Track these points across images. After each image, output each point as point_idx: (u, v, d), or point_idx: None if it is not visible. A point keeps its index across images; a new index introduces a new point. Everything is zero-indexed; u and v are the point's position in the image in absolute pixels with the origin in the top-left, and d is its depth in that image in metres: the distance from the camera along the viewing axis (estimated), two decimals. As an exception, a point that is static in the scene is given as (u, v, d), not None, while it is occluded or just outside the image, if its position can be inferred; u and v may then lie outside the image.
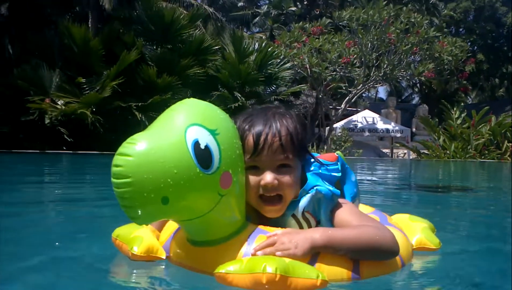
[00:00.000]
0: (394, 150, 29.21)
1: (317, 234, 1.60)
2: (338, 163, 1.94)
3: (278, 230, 1.64)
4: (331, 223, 1.78)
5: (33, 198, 4.22)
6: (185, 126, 1.51)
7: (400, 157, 27.71)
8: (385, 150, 29.39)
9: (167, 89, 15.25)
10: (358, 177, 7.23)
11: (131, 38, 15.82)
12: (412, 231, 2.14)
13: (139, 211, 1.43)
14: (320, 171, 1.84)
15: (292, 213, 1.77)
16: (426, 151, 22.34)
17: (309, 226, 1.78)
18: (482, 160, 19.50)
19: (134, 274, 1.77)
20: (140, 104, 14.82)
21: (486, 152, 20.22)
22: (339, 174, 1.90)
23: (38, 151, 13.21)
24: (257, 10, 36.71)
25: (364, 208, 2.23)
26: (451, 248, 2.33)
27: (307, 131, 1.74)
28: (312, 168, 1.85)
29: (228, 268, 1.48)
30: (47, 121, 13.95)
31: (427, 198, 5.68)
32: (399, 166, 14.41)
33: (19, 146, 13.34)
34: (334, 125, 26.72)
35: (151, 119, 12.47)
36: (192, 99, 1.65)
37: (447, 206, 4.78)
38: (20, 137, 14.29)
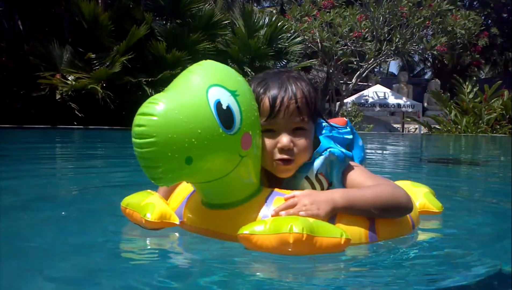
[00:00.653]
0: (405, 125, 29.06)
1: (337, 195, 1.64)
2: (348, 126, 1.98)
3: (297, 192, 1.65)
4: (343, 184, 1.82)
5: (44, 172, 4.27)
6: (206, 87, 1.51)
7: (411, 132, 27.58)
8: (396, 125, 29.25)
9: (177, 64, 15.20)
10: (368, 151, 7.24)
11: (140, 13, 15.75)
12: (414, 196, 2.17)
13: (162, 172, 1.42)
14: (331, 134, 1.87)
15: (305, 175, 1.80)
16: (437, 126, 22.22)
17: (322, 188, 1.82)
18: (493, 134, 19.36)
19: (148, 244, 1.79)
20: (150, 79, 14.84)
21: (498, 126, 20.07)
22: (351, 136, 1.96)
23: (49, 126, 13.35)
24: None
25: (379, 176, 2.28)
26: (455, 213, 2.40)
27: (319, 95, 1.78)
28: (323, 131, 1.87)
29: (253, 228, 1.49)
30: (58, 96, 14.03)
31: (434, 170, 5.69)
32: (409, 140, 14.38)
33: (31, 121, 13.48)
34: (345, 100, 26.58)
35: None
36: (209, 61, 1.65)
37: (453, 177, 4.80)
38: (31, 113, 14.41)
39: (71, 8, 15.28)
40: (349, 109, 24.13)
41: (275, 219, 1.51)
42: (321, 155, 1.79)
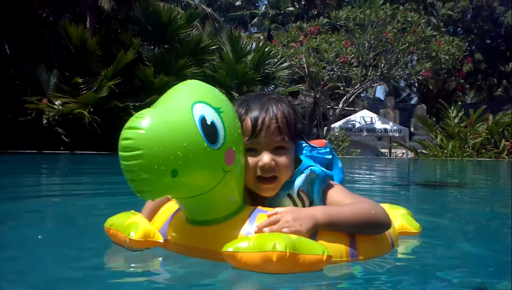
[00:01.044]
0: (392, 150, 29.25)
1: (319, 212, 1.67)
2: (327, 147, 2.03)
3: (279, 209, 1.67)
4: (323, 202, 1.85)
5: (30, 196, 4.24)
6: (191, 103, 1.56)
7: (398, 157, 27.74)
8: (383, 150, 29.43)
9: (164, 88, 14.89)
10: (356, 175, 7.27)
11: (128, 38, 15.83)
12: (393, 217, 2.15)
13: (148, 184, 1.44)
14: (311, 154, 1.90)
15: (287, 192, 1.84)
16: (424, 151, 22.37)
17: (303, 206, 1.84)
18: (479, 158, 19.54)
19: (131, 264, 1.78)
20: (137, 104, 14.82)
21: (484, 151, 20.25)
22: (330, 156, 2.01)
23: (35, 151, 13.25)
24: (255, 10, 36.76)
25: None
26: (435, 233, 2.45)
27: (299, 116, 1.85)
28: (304, 151, 1.91)
29: (237, 245, 1.51)
30: (44, 121, 13.97)
31: (419, 194, 5.73)
32: (396, 165, 14.45)
33: (17, 146, 13.37)
34: (332, 125, 26.75)
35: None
36: (193, 80, 1.70)
37: (438, 200, 4.83)
38: (18, 138, 14.31)
39: (59, 32, 15.30)
40: (337, 134, 24.25)
41: (259, 236, 1.52)
42: (302, 173, 1.83)
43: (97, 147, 14.28)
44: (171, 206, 1.93)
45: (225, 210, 1.68)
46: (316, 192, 1.85)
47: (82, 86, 14.94)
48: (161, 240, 1.80)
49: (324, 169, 1.86)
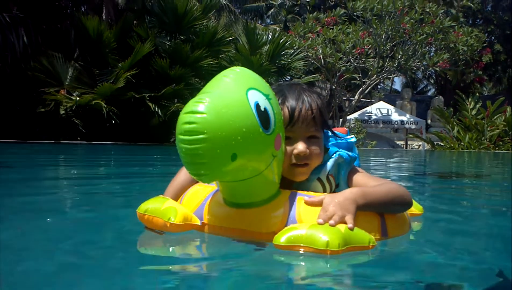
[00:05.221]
0: (409, 142, 29.06)
1: (357, 195, 1.76)
2: (351, 135, 2.22)
3: (316, 197, 1.78)
4: (347, 185, 2.00)
5: (49, 184, 4.33)
6: (245, 89, 1.61)
7: (414, 149, 27.56)
8: (399, 142, 29.25)
9: (180, 80, 15.35)
10: (372, 165, 7.25)
11: (144, 30, 15.92)
12: None
13: (208, 168, 1.50)
14: (337, 141, 2.09)
15: (318, 176, 1.95)
16: (440, 143, 22.23)
17: (331, 188, 1.98)
18: (496, 151, 19.35)
19: (168, 248, 1.84)
20: (153, 94, 14.96)
21: (501, 143, 20.06)
22: (355, 139, 2.17)
23: (53, 141, 13.45)
24: (271, 1, 36.62)
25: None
26: (440, 217, 2.51)
27: (328, 108, 2.05)
28: (330, 139, 2.09)
29: (290, 239, 1.59)
30: (62, 112, 14.16)
31: (436, 183, 5.72)
32: (411, 156, 14.38)
33: (35, 136, 13.59)
34: (348, 117, 26.67)
35: (163, 109, 12.42)
36: (240, 67, 1.74)
37: (453, 190, 4.83)
38: (35, 128, 14.54)
39: (76, 24, 15.46)
40: (352, 125, 24.19)
41: (311, 230, 1.60)
42: (331, 157, 1.97)
43: (114, 137, 14.45)
44: (199, 190, 2.00)
45: (267, 193, 1.76)
46: (342, 175, 1.98)
47: (99, 78, 15.09)
48: (198, 223, 1.86)
49: (349, 153, 2.00)
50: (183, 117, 1.47)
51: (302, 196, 1.78)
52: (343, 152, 1.98)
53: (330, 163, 1.95)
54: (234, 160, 1.52)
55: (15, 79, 14.54)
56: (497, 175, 7.71)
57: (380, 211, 1.80)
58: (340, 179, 1.98)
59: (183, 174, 2.11)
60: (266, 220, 1.73)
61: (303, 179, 1.93)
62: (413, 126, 28.41)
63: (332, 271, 1.57)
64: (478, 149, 19.69)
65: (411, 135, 26.15)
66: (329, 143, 2.05)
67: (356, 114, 27.93)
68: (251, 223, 1.76)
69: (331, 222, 1.63)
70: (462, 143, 20.44)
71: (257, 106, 1.59)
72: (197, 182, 2.06)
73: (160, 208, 1.88)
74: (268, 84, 1.77)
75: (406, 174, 7.33)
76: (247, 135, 1.53)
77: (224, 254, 1.78)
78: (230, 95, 1.56)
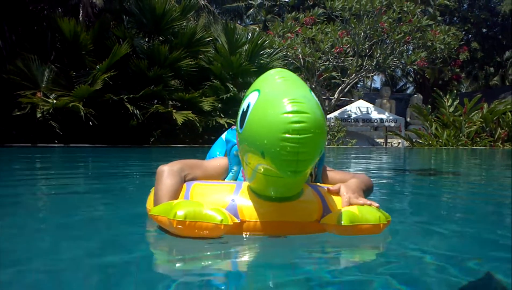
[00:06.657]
0: (388, 140, 29.28)
1: (360, 183, 2.13)
2: None
3: (334, 186, 2.07)
4: (322, 179, 2.29)
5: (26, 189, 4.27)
6: (308, 90, 1.73)
7: (394, 146, 27.79)
8: (379, 140, 29.47)
9: (159, 81, 15.29)
10: (353, 164, 7.35)
11: (122, 31, 15.80)
12: None
13: (308, 164, 1.63)
14: None
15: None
16: (419, 140, 22.45)
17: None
18: (474, 147, 19.60)
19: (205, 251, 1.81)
20: (131, 96, 14.84)
21: (478, 139, 20.33)
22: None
23: (30, 145, 13.28)
24: (250, 1, 36.63)
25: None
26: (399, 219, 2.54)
27: None
28: None
29: (349, 218, 1.83)
30: (38, 115, 13.97)
31: (414, 180, 5.78)
32: (388, 154, 14.49)
33: (11, 140, 13.40)
34: (328, 116, 26.75)
35: (142, 110, 12.35)
36: (283, 69, 1.87)
37: (428, 186, 4.88)
38: (12, 132, 14.32)
39: (53, 26, 15.26)
40: (332, 124, 24.26)
41: (362, 210, 1.88)
42: None
43: (92, 139, 14.32)
44: (211, 190, 2.00)
45: (301, 187, 1.94)
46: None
47: (76, 80, 14.92)
48: (236, 221, 1.85)
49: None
50: (289, 117, 1.56)
51: (321, 187, 2.05)
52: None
53: None
54: (319, 155, 1.66)
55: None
56: (474, 171, 7.81)
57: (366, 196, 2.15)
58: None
59: (171, 177, 2.04)
60: (308, 210, 1.93)
61: None
62: (393, 124, 28.61)
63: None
64: (456, 146, 19.93)
65: (390, 133, 26.36)
66: None
67: (336, 113, 28.03)
68: (294, 214, 1.91)
69: (368, 203, 1.94)
70: (440, 140, 20.66)
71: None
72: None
73: (201, 211, 1.79)
74: None
75: (386, 171, 7.40)
76: (325, 134, 1.67)
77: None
78: (307, 96, 1.66)
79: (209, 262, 1.71)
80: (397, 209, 2.95)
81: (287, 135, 1.54)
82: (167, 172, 2.03)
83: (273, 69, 1.84)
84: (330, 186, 2.06)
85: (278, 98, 1.61)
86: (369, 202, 1.94)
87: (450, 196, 4.11)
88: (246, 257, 1.80)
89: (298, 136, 1.54)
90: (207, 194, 1.95)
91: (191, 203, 1.84)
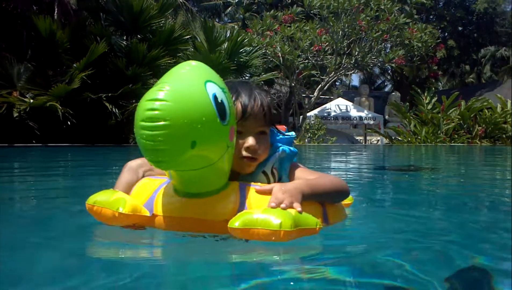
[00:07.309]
0: (367, 137, 29.53)
1: (303, 185, 1.91)
2: (291, 132, 2.32)
3: (267, 186, 1.90)
4: (288, 178, 2.13)
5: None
6: (203, 81, 1.66)
7: (373, 144, 28.01)
8: (358, 138, 29.70)
9: (137, 79, 15.13)
10: (333, 161, 7.41)
11: (99, 29, 15.60)
12: None
13: (168, 154, 1.53)
14: (279, 137, 2.19)
15: (263, 169, 2.07)
16: (398, 137, 22.65)
17: (274, 180, 2.09)
18: (452, 144, 19.85)
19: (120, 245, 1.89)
20: (110, 94, 14.66)
21: (456, 136, 20.59)
22: (294, 135, 2.29)
23: (6, 145, 13.03)
24: (228, -1, 36.55)
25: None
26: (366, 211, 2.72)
27: (288, 105, 2.23)
28: (275, 136, 2.19)
29: (245, 222, 1.65)
30: (15, 114, 13.71)
31: (393, 176, 5.81)
32: (368, 151, 14.59)
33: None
34: (308, 114, 26.85)
35: (121, 109, 12.18)
36: (195, 61, 1.79)
37: (398, 185, 4.91)
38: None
39: (28, 24, 15.01)
40: (312, 122, 24.35)
41: (264, 213, 1.66)
42: (275, 152, 2.09)
43: (71, 139, 14.10)
44: (147, 184, 2.03)
45: (219, 183, 1.84)
46: (284, 168, 2.12)
47: (53, 79, 14.68)
48: (148, 214, 1.88)
49: (291, 148, 2.14)
50: (145, 104, 1.50)
51: (252, 186, 1.89)
52: (286, 147, 2.11)
53: (274, 158, 2.08)
54: (193, 147, 1.56)
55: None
56: (452, 167, 7.89)
57: (322, 201, 1.96)
58: (282, 172, 2.11)
59: (128, 172, 2.15)
60: (218, 209, 1.80)
61: (250, 172, 2.04)
62: (372, 122, 28.86)
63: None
64: (435, 143, 20.15)
65: (369, 131, 26.57)
66: (275, 139, 2.16)
67: (315, 111, 28.17)
68: (203, 212, 1.81)
69: (283, 205, 1.73)
70: (419, 137, 20.87)
71: (215, 97, 1.63)
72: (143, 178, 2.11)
73: (109, 199, 1.87)
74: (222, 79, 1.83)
75: (365, 168, 7.43)
76: (206, 124, 1.57)
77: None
78: (189, 84, 1.61)
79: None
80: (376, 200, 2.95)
81: (142, 123, 1.49)
82: (127, 168, 2.15)
83: (189, 61, 1.77)
84: (264, 185, 1.90)
85: (153, 86, 1.57)
86: (299, 208, 1.73)
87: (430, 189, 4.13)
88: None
89: (151, 123, 1.48)
90: (140, 188, 2.02)
91: (108, 192, 1.94)
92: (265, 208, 1.70)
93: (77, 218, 2.33)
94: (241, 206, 1.81)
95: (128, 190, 2.07)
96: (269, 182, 2.04)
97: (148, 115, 1.48)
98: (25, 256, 1.76)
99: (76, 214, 2.45)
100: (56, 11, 16.74)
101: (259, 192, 1.86)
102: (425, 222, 2.52)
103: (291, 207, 1.73)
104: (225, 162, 1.79)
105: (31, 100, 13.89)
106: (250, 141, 1.97)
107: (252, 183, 1.94)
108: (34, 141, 14.22)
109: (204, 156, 1.66)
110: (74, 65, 14.67)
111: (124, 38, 16.72)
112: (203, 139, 1.58)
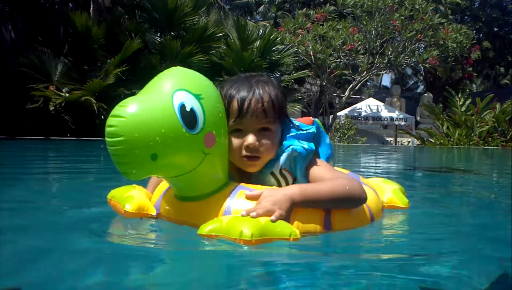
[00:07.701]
0: (398, 138, 29.18)
1: (295, 191, 1.79)
2: (314, 125, 2.15)
3: (257, 191, 1.83)
4: (306, 179, 2.00)
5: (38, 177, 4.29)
6: (172, 91, 1.70)
7: (404, 145, 27.69)
8: (389, 139, 29.37)
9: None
10: (363, 161, 7.37)
11: (134, 25, 15.80)
12: (383, 191, 2.46)
13: (131, 167, 1.60)
14: (296, 133, 2.05)
15: (271, 171, 1.98)
16: (430, 139, 22.31)
17: (287, 182, 2.00)
18: (485, 147, 19.48)
19: (128, 231, 1.98)
20: (143, 90, 14.82)
21: (490, 139, 20.18)
22: (314, 130, 2.11)
23: (42, 137, 13.31)
24: (261, -2, 36.52)
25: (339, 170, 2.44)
26: (420, 210, 2.66)
27: (287, 98, 1.96)
28: (290, 132, 2.05)
29: (210, 229, 1.67)
30: (51, 108, 14.00)
31: (424, 178, 5.74)
32: (400, 152, 14.43)
33: (24, 133, 13.43)
34: (338, 113, 26.68)
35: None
36: (178, 67, 1.85)
37: (436, 185, 4.84)
38: (25, 125, 14.36)
39: (65, 20, 15.30)
40: (342, 122, 24.20)
41: (230, 221, 1.67)
42: (284, 152, 1.97)
43: (104, 134, 14.30)
44: (165, 183, 2.11)
45: (210, 187, 1.85)
46: (299, 169, 1.99)
47: (88, 74, 14.94)
48: (154, 213, 1.99)
49: (306, 146, 1.98)
50: (108, 120, 1.59)
51: (246, 190, 1.85)
52: (298, 146, 1.97)
53: (283, 158, 1.97)
54: (155, 159, 1.61)
55: (3, 75, 14.35)
56: (486, 171, 7.75)
57: (322, 207, 1.84)
58: (297, 172, 1.99)
59: None
60: (205, 213, 1.80)
61: (255, 171, 1.98)
62: (403, 123, 28.53)
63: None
64: (468, 145, 19.79)
65: (401, 131, 26.25)
66: (288, 135, 2.03)
67: (346, 111, 27.99)
68: (192, 216, 1.85)
69: (253, 214, 1.67)
70: (452, 139, 20.51)
71: (182, 107, 1.67)
72: None
73: (123, 195, 2.06)
74: (207, 82, 1.85)
75: (395, 169, 7.36)
76: (166, 135, 1.61)
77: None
78: (155, 98, 1.67)
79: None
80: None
81: (106, 138, 1.58)
82: None
83: (172, 67, 1.84)
84: (258, 190, 1.83)
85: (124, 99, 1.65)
86: (273, 218, 1.66)
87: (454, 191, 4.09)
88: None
89: (110, 139, 1.57)
90: (159, 188, 2.13)
91: (126, 188, 2.14)
92: (234, 216, 1.71)
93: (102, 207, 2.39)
94: (226, 212, 1.80)
95: (155, 188, 2.18)
96: (279, 185, 1.98)
97: (108, 131, 1.57)
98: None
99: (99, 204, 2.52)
100: (91, 7, 17.03)
101: (248, 197, 1.81)
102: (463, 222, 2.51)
103: (268, 215, 1.68)
104: (210, 168, 1.80)
105: (67, 94, 14.16)
106: (250, 139, 1.90)
107: (250, 185, 1.89)
108: (68, 135, 14.49)
109: (176, 165, 1.70)
110: (109, 61, 14.91)
111: (158, 35, 16.90)
112: (165, 150, 1.62)
